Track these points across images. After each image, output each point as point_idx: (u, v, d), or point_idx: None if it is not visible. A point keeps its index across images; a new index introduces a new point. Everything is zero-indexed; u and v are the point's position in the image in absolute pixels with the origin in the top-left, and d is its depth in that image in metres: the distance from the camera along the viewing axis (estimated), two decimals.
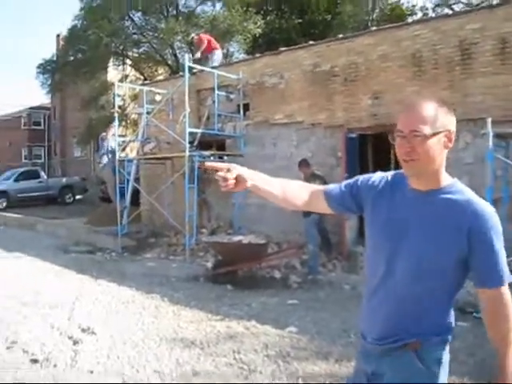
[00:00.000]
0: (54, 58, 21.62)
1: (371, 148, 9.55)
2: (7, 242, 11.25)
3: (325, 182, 7.13)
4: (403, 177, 1.66)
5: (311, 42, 9.97)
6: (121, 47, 19.93)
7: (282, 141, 9.87)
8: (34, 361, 4.26)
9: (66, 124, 34.74)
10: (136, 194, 12.04)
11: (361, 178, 1.82)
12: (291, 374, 3.91)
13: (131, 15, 19.07)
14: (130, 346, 4.60)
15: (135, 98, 17.70)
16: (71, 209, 18.61)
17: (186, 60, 9.91)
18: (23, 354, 4.44)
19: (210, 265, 7.95)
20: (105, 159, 12.57)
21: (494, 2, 10.27)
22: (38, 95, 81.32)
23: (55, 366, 4.15)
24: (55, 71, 20.86)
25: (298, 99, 9.55)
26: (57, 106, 35.65)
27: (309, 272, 7.44)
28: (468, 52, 7.46)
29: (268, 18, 19.20)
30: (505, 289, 1.56)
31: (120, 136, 13.19)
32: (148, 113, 11.35)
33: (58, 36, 30.20)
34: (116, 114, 12.52)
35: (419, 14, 19.84)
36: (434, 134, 1.53)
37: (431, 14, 19.02)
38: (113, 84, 16.67)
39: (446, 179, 1.63)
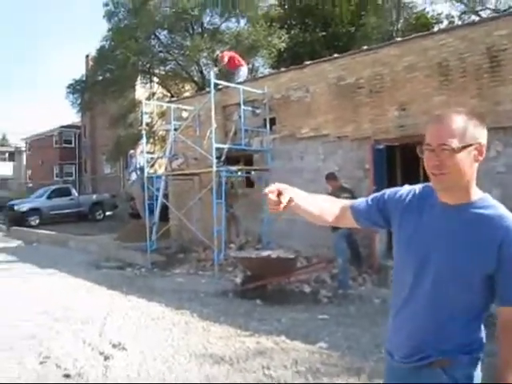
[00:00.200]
0: (84, 78, 22.28)
1: (399, 159, 9.43)
2: (40, 259, 11.50)
3: (353, 195, 7.07)
4: (432, 190, 1.63)
5: (336, 55, 9.93)
6: (148, 65, 20.38)
7: (308, 154, 9.84)
8: (67, 376, 4.33)
9: (96, 142, 35.54)
10: (165, 209, 12.15)
11: (388, 191, 1.79)
12: None
13: (157, 34, 19.51)
14: (160, 361, 4.62)
15: (162, 115, 17.98)
16: (101, 225, 18.97)
17: (212, 76, 10.03)
18: (56, 368, 4.51)
19: (238, 280, 7.93)
20: (134, 176, 12.81)
21: None
22: (68, 114, 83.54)
23: (87, 380, 4.20)
24: (85, 91, 21.46)
25: (324, 112, 9.53)
26: (87, 125, 36.51)
27: (339, 286, 7.35)
28: (496, 59, 7.33)
29: (292, 32, 19.38)
30: None
31: (148, 153, 13.42)
32: (175, 129, 11.48)
33: (87, 56, 31.12)
34: (144, 132, 12.76)
35: (445, 23, 19.70)
36: (464, 148, 1.48)
37: (457, 21, 18.84)
38: (140, 102, 17.05)
39: (476, 193, 1.58)
